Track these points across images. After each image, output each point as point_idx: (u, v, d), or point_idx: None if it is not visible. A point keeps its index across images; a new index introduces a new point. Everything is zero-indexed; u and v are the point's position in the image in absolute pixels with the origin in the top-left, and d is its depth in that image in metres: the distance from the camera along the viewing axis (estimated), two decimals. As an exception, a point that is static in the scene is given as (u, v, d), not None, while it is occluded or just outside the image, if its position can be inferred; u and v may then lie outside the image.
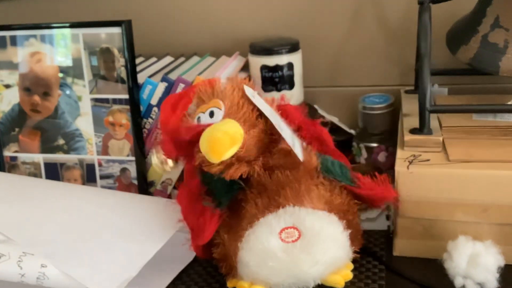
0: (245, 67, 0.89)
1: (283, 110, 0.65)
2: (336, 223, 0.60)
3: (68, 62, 0.80)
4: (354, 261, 0.63)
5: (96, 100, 0.81)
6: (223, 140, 0.57)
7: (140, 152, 0.81)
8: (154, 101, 0.79)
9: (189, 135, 0.59)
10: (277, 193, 0.61)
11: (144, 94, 0.79)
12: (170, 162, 0.60)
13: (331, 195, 0.62)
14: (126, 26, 0.77)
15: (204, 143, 0.57)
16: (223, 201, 0.63)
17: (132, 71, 0.78)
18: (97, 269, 0.60)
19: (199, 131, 0.58)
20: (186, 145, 0.61)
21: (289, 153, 0.60)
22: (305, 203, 0.60)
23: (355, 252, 0.62)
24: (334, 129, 0.89)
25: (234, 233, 0.61)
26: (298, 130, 0.65)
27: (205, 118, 0.61)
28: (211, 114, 0.60)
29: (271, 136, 0.62)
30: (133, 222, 0.67)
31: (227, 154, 0.57)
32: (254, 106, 0.61)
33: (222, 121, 0.59)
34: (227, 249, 0.61)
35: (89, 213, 0.69)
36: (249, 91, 0.61)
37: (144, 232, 0.65)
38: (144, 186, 0.82)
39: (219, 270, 0.64)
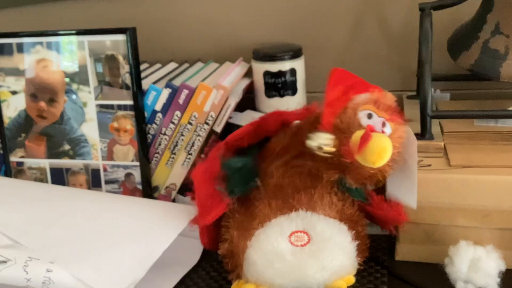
0: (248, 73, 0.90)
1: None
2: (345, 233, 0.61)
3: (74, 69, 0.81)
4: (356, 265, 0.64)
5: (101, 106, 0.82)
6: (387, 152, 0.57)
7: (145, 157, 0.81)
8: (158, 107, 0.80)
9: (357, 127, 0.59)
10: (291, 196, 0.61)
11: (149, 100, 0.80)
12: (328, 141, 0.58)
13: (343, 205, 0.62)
14: (131, 33, 0.78)
15: (377, 147, 0.56)
16: (235, 191, 0.63)
17: (136, 77, 0.79)
18: (104, 271, 0.60)
19: (370, 131, 0.57)
20: (342, 129, 0.59)
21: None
22: (318, 209, 0.60)
23: (359, 264, 0.63)
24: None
25: (244, 230, 0.61)
26: None
27: (374, 121, 0.59)
28: (383, 124, 0.59)
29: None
30: (138, 224, 0.68)
31: (381, 164, 0.58)
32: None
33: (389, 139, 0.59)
34: (235, 246, 0.62)
35: (95, 216, 0.69)
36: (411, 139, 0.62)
37: (150, 234, 0.66)
38: (148, 191, 0.82)
39: (224, 266, 0.64)
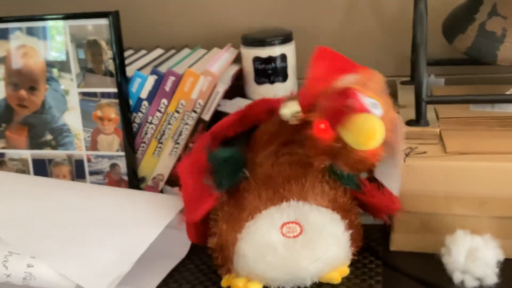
0: (237, 60, 0.88)
1: None
2: (338, 222, 0.60)
3: (54, 55, 0.78)
4: (350, 255, 0.62)
5: (84, 94, 0.79)
6: (379, 133, 0.54)
7: (130, 147, 0.79)
8: (143, 94, 0.77)
9: (344, 102, 0.54)
10: (282, 186, 0.60)
11: (133, 87, 0.77)
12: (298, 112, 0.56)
13: (335, 194, 0.61)
14: (114, 17, 0.75)
15: (361, 126, 0.53)
16: (224, 184, 0.61)
17: (120, 64, 0.76)
18: (88, 265, 0.59)
19: (357, 108, 0.54)
20: (326, 107, 0.56)
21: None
22: (309, 199, 0.59)
23: (353, 253, 0.62)
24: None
25: (233, 223, 0.60)
26: None
27: (364, 102, 0.55)
28: (373, 106, 0.56)
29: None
30: (124, 216, 0.66)
31: (372, 146, 0.54)
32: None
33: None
34: (224, 239, 0.60)
35: (79, 208, 0.68)
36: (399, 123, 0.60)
37: (136, 226, 0.64)
38: (134, 182, 0.80)
39: (213, 261, 0.63)
